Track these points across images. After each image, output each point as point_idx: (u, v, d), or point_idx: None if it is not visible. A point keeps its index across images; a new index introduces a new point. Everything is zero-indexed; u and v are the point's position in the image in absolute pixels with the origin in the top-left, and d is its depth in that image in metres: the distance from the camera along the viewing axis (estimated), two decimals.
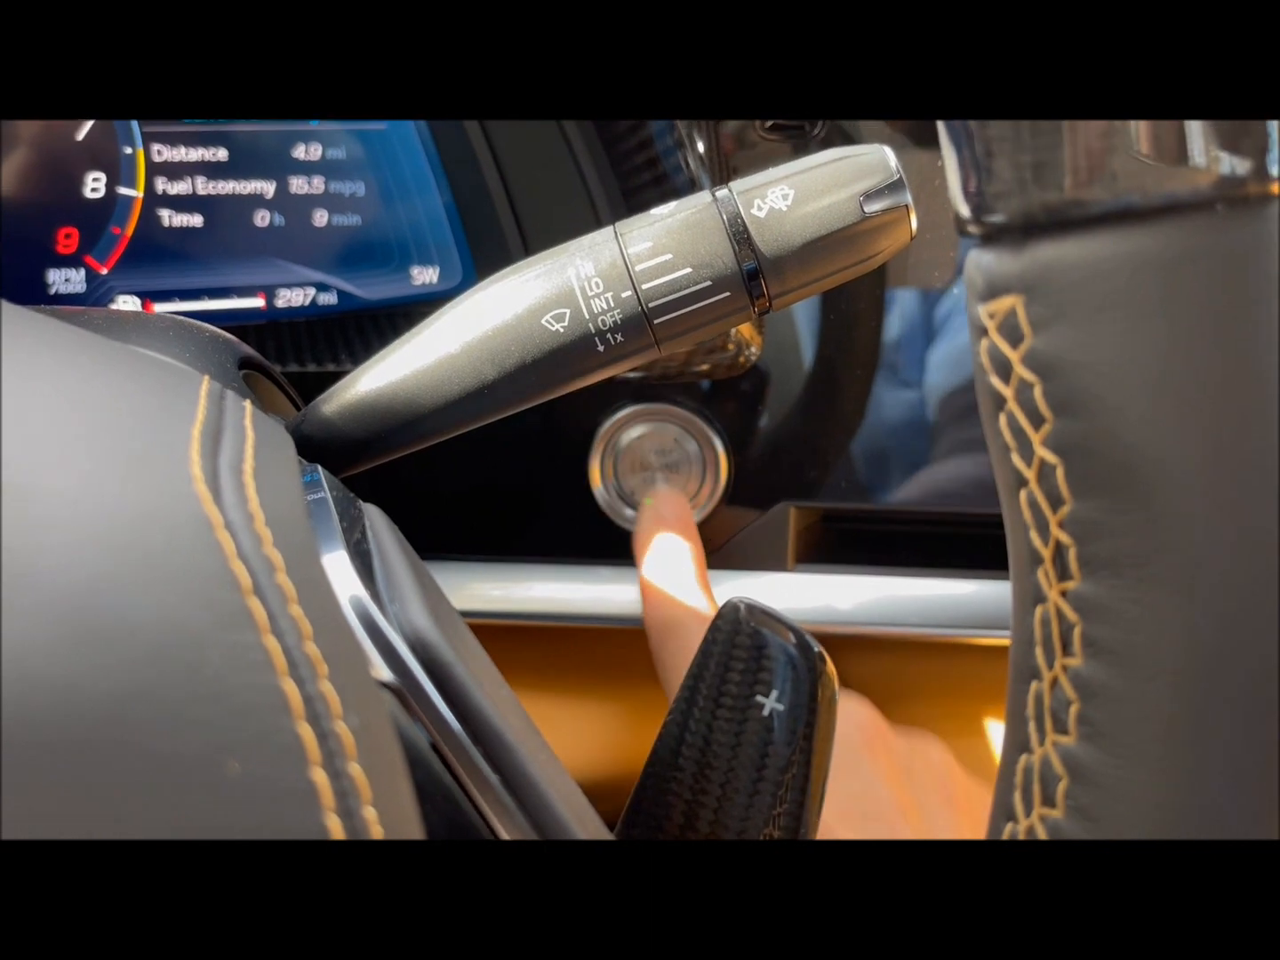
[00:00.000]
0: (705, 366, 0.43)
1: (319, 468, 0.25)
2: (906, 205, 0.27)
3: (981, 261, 0.18)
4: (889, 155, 0.27)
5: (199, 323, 0.32)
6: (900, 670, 0.49)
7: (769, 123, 0.41)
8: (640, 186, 0.42)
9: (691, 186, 0.41)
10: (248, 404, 0.22)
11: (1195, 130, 0.16)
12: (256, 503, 0.17)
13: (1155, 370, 0.16)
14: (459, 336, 0.29)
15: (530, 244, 0.45)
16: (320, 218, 0.46)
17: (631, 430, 0.45)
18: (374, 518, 0.24)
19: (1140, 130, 0.16)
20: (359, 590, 0.20)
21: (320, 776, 0.15)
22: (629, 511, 0.45)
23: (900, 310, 0.44)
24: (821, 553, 0.47)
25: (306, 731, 0.15)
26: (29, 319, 0.21)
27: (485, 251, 0.46)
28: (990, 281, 0.18)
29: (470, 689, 0.19)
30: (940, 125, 0.18)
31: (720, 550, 0.45)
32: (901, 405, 0.45)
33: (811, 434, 0.45)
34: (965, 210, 0.18)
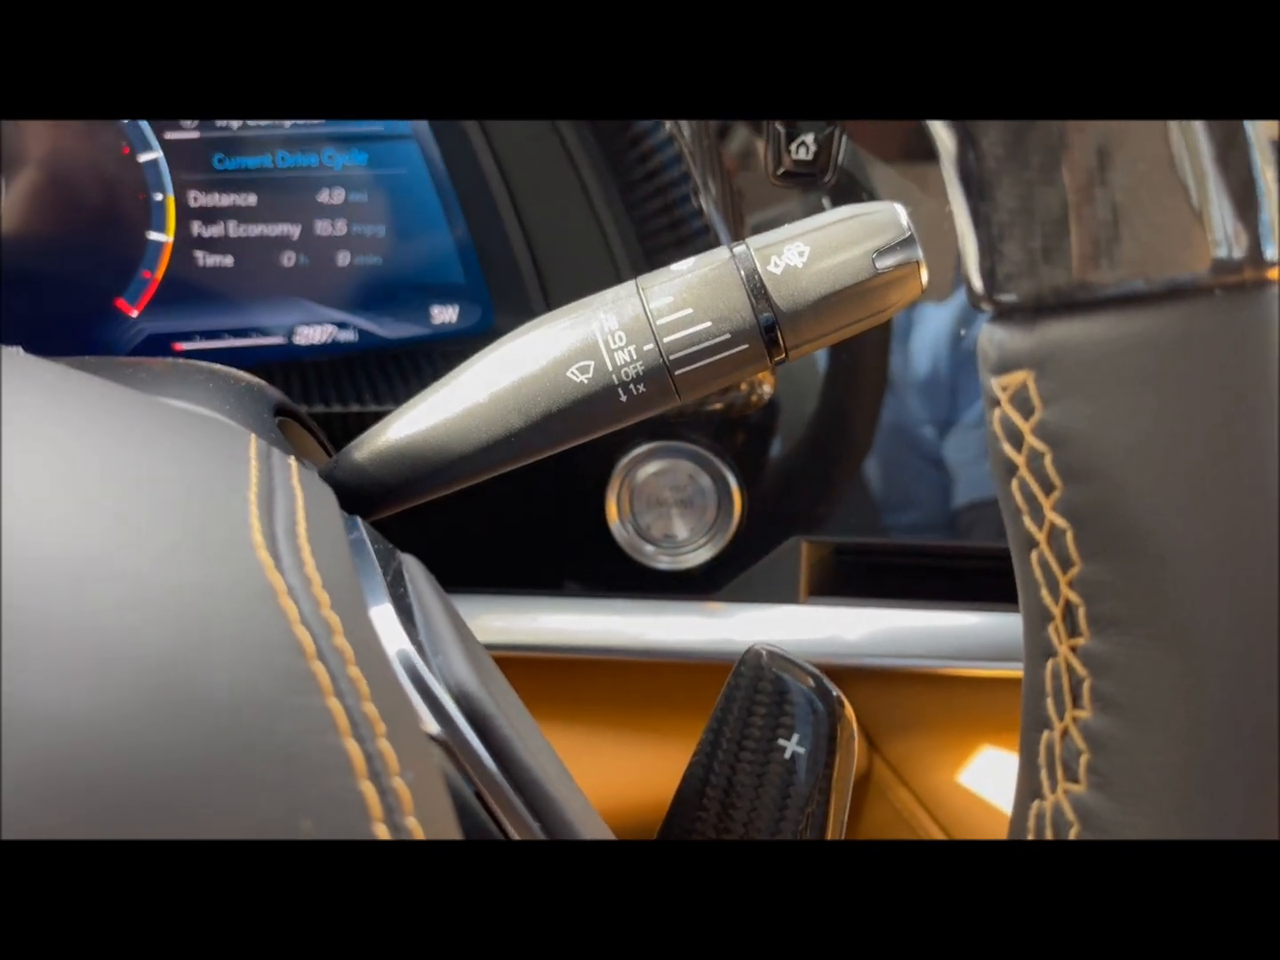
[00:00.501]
0: (719, 405, 0.44)
1: (359, 519, 0.26)
2: (917, 261, 0.28)
3: (995, 336, 0.19)
4: (900, 213, 0.28)
5: (234, 371, 0.33)
6: (909, 701, 0.50)
7: (781, 170, 0.42)
8: (656, 231, 0.43)
9: (706, 233, 0.42)
10: (292, 461, 0.24)
11: (1195, 219, 0.17)
12: (312, 565, 0.19)
13: (1157, 443, 0.17)
14: (487, 387, 0.30)
15: (546, 283, 0.47)
16: (343, 258, 0.47)
17: (647, 466, 0.46)
18: (412, 568, 0.25)
19: (1142, 218, 0.17)
20: (405, 645, 0.21)
21: (382, 830, 0.16)
22: (647, 547, 0.47)
23: (908, 346, 0.45)
24: (833, 586, 0.48)
25: (369, 789, 0.16)
26: (81, 383, 0.22)
27: (503, 291, 0.47)
28: (1003, 356, 0.19)
29: (512, 741, 0.20)
30: (955, 204, 0.20)
31: (734, 583, 0.47)
32: (910, 440, 0.46)
33: (822, 469, 0.46)
34: (979, 288, 0.19)
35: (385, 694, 0.17)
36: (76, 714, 0.14)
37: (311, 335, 0.47)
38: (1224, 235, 0.17)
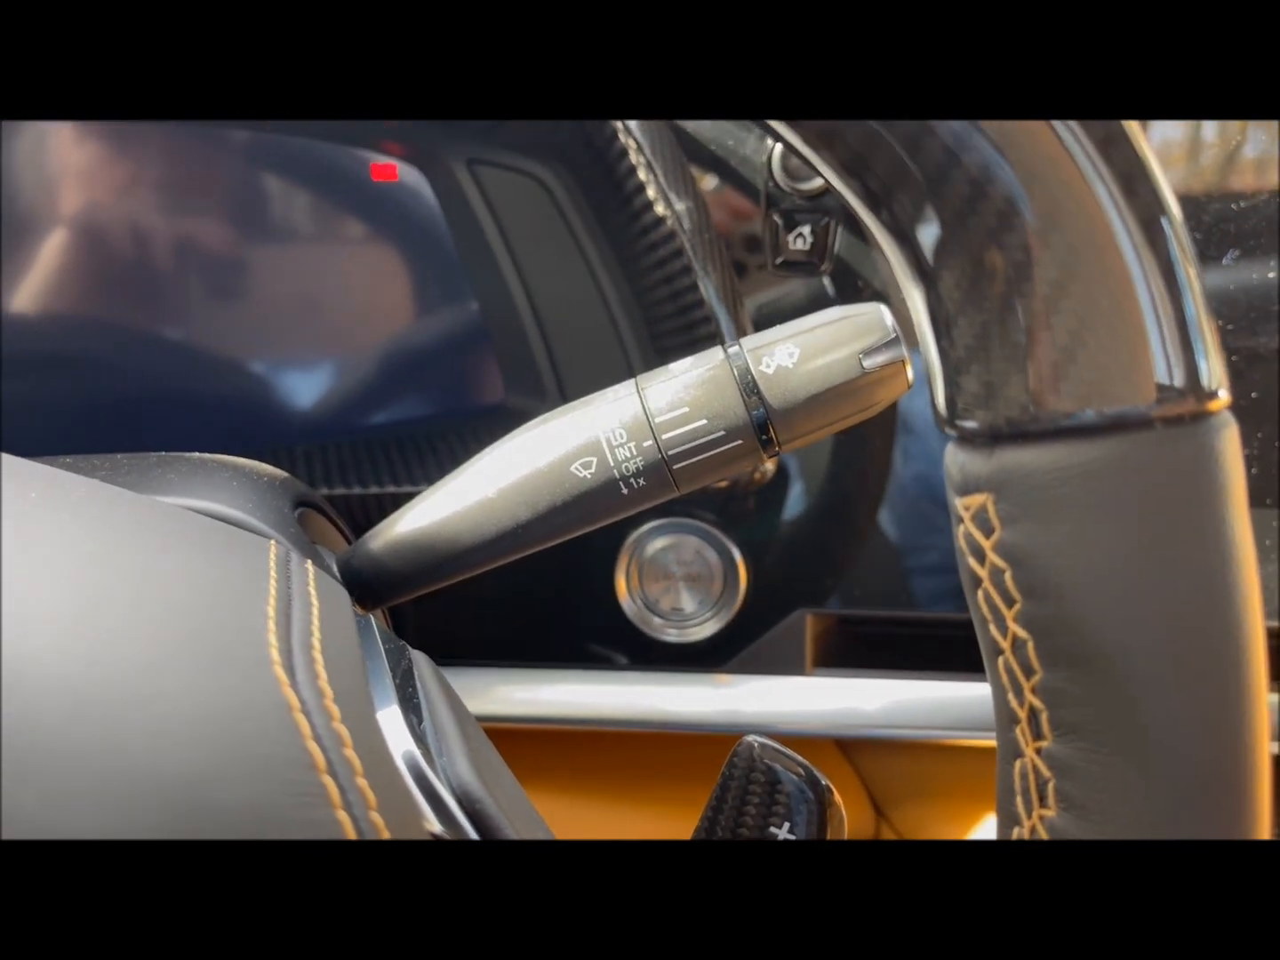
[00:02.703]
0: (724, 483, 0.46)
1: (371, 619, 0.27)
2: (903, 360, 0.30)
3: (957, 459, 0.21)
4: (885, 314, 0.30)
5: (257, 466, 0.35)
6: (915, 769, 0.50)
7: (780, 260, 0.44)
8: (661, 317, 0.45)
9: (708, 321, 0.44)
10: (309, 566, 0.25)
11: (1137, 357, 0.19)
12: (325, 679, 0.20)
13: (1103, 565, 0.19)
14: (495, 481, 0.32)
15: (557, 364, 0.48)
16: (360, 341, 0.49)
17: (655, 542, 0.48)
18: (422, 666, 0.26)
19: (1087, 357, 0.19)
20: (412, 747, 0.22)
21: None
22: (655, 620, 0.48)
23: (909, 423, 0.47)
24: (839, 657, 0.49)
25: None
26: (107, 501, 0.23)
27: (515, 371, 0.49)
28: (965, 478, 0.20)
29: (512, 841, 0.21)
30: (921, 338, 0.21)
31: (740, 656, 0.48)
32: (909, 514, 0.47)
33: (825, 543, 0.47)
34: (943, 414, 0.21)
35: (391, 805, 0.19)
36: (108, 836, 0.15)
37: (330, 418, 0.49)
38: (1164, 371, 0.19)
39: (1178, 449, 0.19)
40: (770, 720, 0.47)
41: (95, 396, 0.49)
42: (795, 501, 0.47)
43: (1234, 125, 0.43)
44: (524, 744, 0.47)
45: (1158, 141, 0.44)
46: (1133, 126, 0.19)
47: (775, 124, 0.19)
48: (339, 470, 0.47)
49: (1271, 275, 0.43)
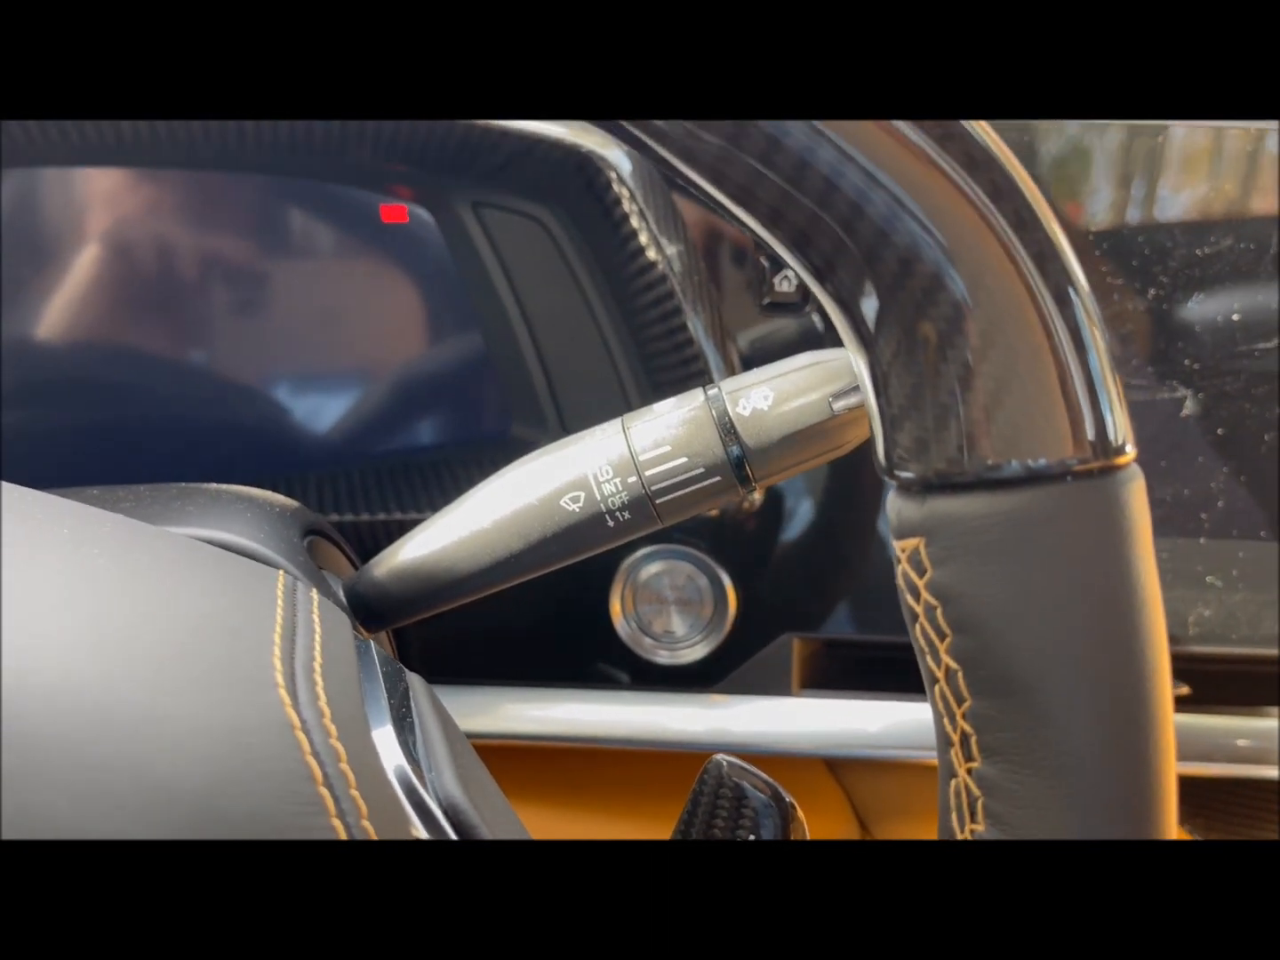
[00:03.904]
0: (714, 512, 0.48)
1: (371, 644, 0.29)
2: None
3: (895, 505, 0.23)
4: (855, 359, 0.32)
5: (269, 496, 0.37)
6: (898, 787, 0.52)
7: (767, 300, 0.46)
8: (656, 353, 0.48)
9: (698, 358, 0.46)
10: (314, 594, 0.27)
11: (1050, 416, 0.21)
12: (325, 700, 0.22)
13: (1021, 604, 0.21)
14: (490, 514, 0.34)
15: (558, 394, 0.51)
16: (371, 371, 0.52)
17: (649, 567, 0.50)
18: (417, 688, 0.29)
19: (1005, 416, 0.21)
20: (403, 763, 0.24)
21: None
22: (647, 641, 0.50)
23: None
24: (824, 679, 0.51)
25: None
26: (126, 534, 0.26)
27: (519, 401, 0.51)
28: (900, 523, 0.23)
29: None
30: (865, 396, 0.23)
31: (730, 677, 0.50)
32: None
33: (811, 571, 0.50)
34: (882, 463, 0.23)
35: (381, 812, 0.21)
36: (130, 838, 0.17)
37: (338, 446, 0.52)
38: (1076, 429, 0.21)
39: (1088, 499, 0.21)
40: (758, 739, 0.49)
41: (115, 423, 0.52)
42: (782, 530, 0.49)
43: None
44: (521, 760, 0.50)
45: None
46: (1044, 208, 0.21)
47: (732, 206, 0.22)
48: (349, 497, 0.50)
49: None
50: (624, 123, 0.21)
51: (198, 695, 0.20)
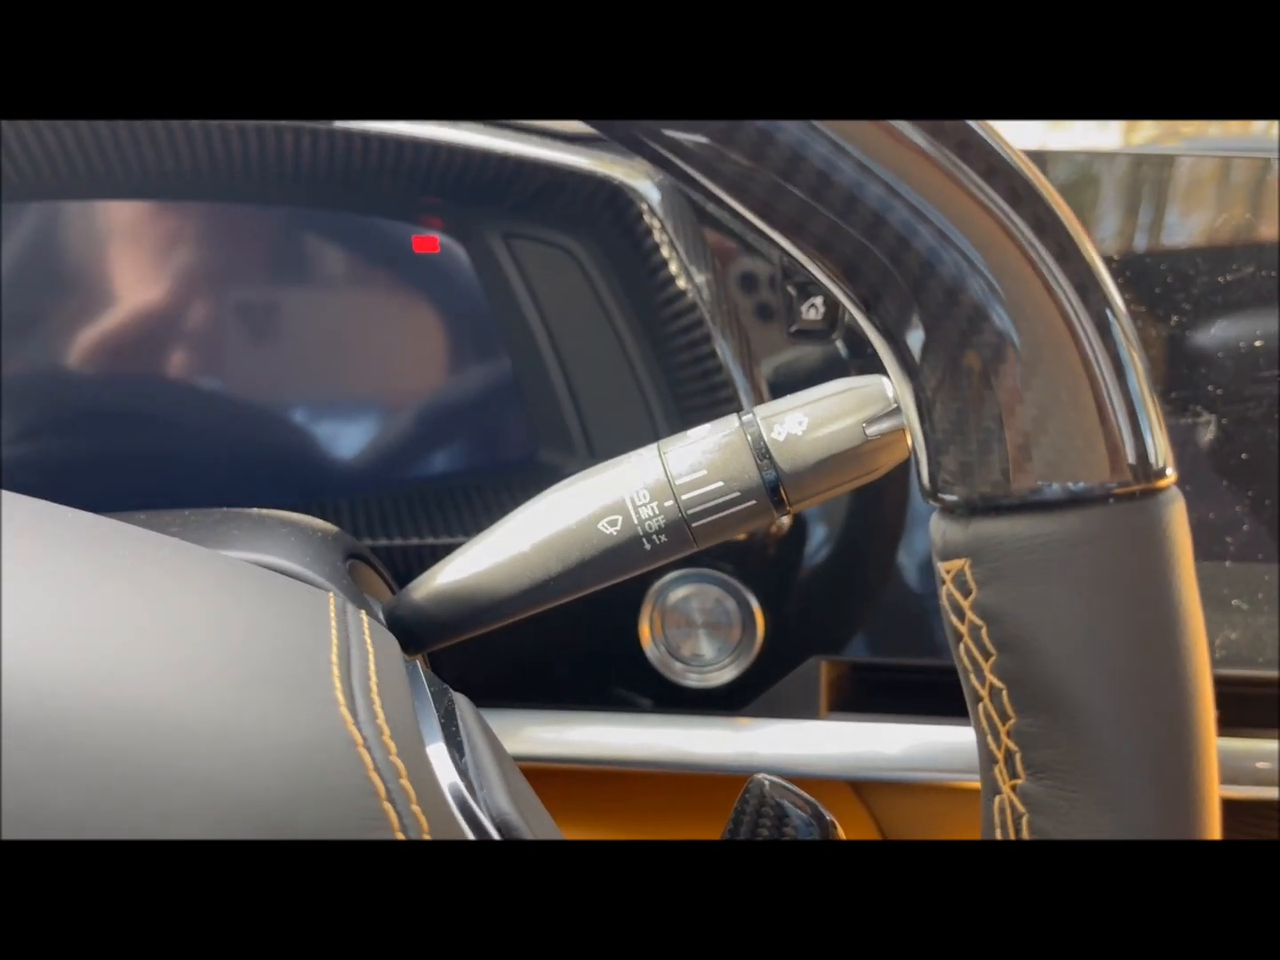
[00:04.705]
0: (742, 536, 0.48)
1: (417, 664, 0.30)
2: (903, 428, 0.32)
3: (940, 527, 0.24)
4: (887, 386, 0.33)
5: (311, 521, 0.38)
6: (926, 809, 0.52)
7: (794, 328, 0.47)
8: (684, 379, 0.48)
9: (725, 385, 0.47)
10: (364, 616, 0.28)
11: (1093, 439, 0.22)
12: (383, 717, 0.23)
13: (1065, 623, 0.21)
14: (529, 537, 0.35)
15: (585, 420, 0.51)
16: (399, 398, 0.53)
17: (678, 591, 0.50)
18: (462, 706, 0.29)
19: (1048, 440, 0.22)
20: (456, 779, 0.25)
21: None
22: (676, 665, 0.51)
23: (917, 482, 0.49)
24: (852, 702, 0.51)
25: None
26: (190, 557, 0.26)
27: (547, 429, 0.52)
28: (946, 545, 0.23)
29: None
30: (909, 423, 0.24)
31: (758, 700, 0.50)
32: (918, 568, 0.50)
33: (838, 595, 0.50)
34: (926, 487, 0.24)
35: (440, 826, 0.22)
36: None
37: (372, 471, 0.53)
38: (1117, 453, 0.22)
39: (1129, 522, 0.22)
40: (786, 762, 0.50)
41: (152, 453, 0.53)
42: (810, 554, 0.50)
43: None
44: (551, 782, 0.50)
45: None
46: (1084, 239, 0.22)
47: (778, 237, 0.22)
48: (381, 522, 0.50)
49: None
50: (675, 159, 0.22)
51: (266, 714, 0.21)
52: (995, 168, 0.21)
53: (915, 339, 0.22)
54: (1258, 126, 0.46)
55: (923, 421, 0.23)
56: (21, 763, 0.18)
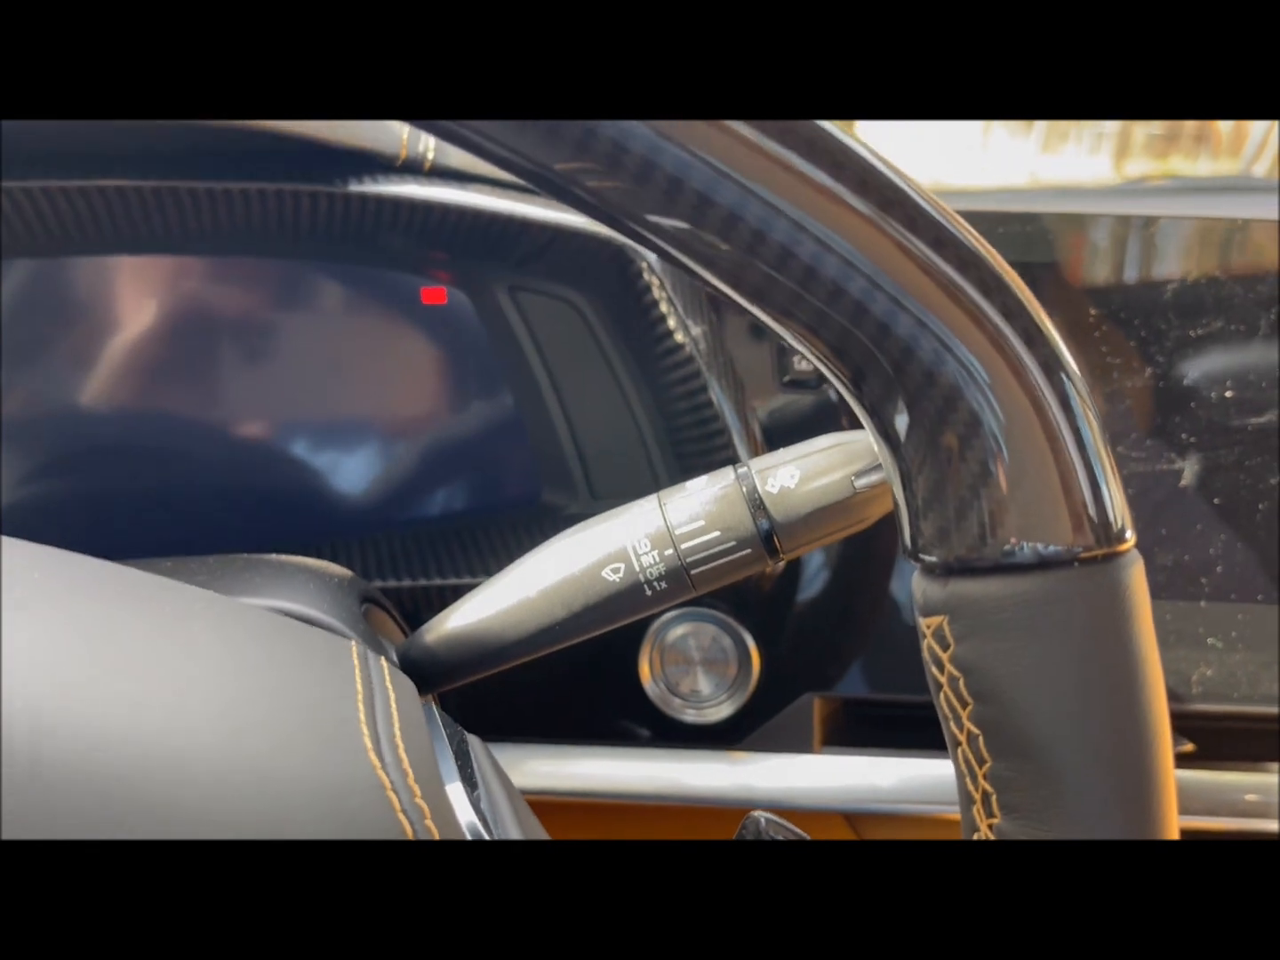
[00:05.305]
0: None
1: (433, 706, 0.32)
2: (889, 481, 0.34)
3: (920, 585, 0.26)
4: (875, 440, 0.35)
5: (327, 566, 0.40)
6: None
7: (786, 378, 0.49)
8: (682, 426, 0.51)
9: (721, 433, 0.49)
10: (383, 662, 0.30)
11: (1058, 506, 0.24)
12: (407, 762, 0.25)
13: (1033, 677, 0.23)
14: (536, 584, 0.37)
15: (587, 466, 0.54)
16: (404, 441, 0.55)
17: (676, 629, 0.52)
18: (475, 747, 0.31)
19: (1017, 508, 0.24)
20: (473, 817, 0.27)
21: None
22: (675, 700, 0.52)
23: None
24: (845, 737, 0.53)
25: None
26: (220, 611, 0.28)
27: (551, 473, 0.54)
28: (926, 602, 0.25)
29: None
30: (891, 489, 0.26)
31: (753, 735, 0.52)
32: (908, 607, 0.52)
33: (832, 633, 0.52)
34: (908, 547, 0.26)
35: None
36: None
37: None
38: (1081, 518, 0.24)
39: (1093, 582, 0.24)
40: (781, 795, 0.51)
41: (161, 492, 0.54)
42: (804, 594, 0.52)
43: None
44: (553, 815, 0.52)
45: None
46: (1048, 324, 0.24)
47: (769, 320, 0.25)
48: (390, 563, 0.52)
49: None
50: (680, 255, 0.24)
51: (301, 760, 0.23)
52: (968, 261, 0.23)
53: (898, 416, 0.24)
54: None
55: (905, 489, 0.25)
56: (77, 809, 0.20)
